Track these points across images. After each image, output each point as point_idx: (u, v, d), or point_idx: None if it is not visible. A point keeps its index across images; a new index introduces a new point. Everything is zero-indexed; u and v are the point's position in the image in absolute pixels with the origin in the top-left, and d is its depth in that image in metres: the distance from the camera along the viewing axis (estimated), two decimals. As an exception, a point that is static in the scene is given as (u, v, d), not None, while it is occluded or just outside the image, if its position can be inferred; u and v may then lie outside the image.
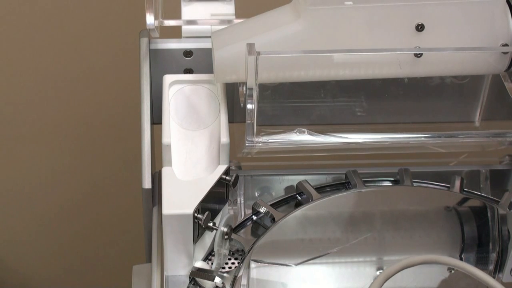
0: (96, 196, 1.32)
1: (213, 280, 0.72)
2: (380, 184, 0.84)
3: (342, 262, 0.76)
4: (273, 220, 0.78)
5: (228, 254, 0.76)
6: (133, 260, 0.91)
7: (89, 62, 1.17)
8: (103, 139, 1.25)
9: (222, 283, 0.72)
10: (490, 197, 0.84)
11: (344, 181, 0.84)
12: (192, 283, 0.73)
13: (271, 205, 0.80)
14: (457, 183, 0.82)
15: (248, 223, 0.80)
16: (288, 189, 0.84)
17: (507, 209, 0.79)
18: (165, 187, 0.72)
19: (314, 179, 0.83)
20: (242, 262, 0.74)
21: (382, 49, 0.72)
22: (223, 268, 0.75)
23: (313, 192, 0.80)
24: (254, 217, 0.80)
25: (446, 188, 0.83)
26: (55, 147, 1.26)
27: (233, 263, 0.76)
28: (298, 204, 0.81)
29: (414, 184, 0.83)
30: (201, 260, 0.74)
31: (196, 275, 0.73)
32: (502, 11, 0.73)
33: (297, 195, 0.82)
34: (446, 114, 0.81)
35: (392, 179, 0.84)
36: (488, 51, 0.73)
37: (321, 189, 0.83)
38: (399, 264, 0.67)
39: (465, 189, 0.83)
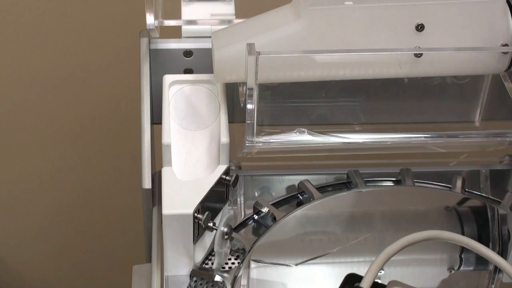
0: (96, 196, 1.32)
1: (213, 279, 0.72)
2: (381, 184, 0.84)
3: (342, 262, 0.76)
4: (274, 219, 0.78)
5: (229, 253, 0.76)
6: (133, 260, 0.91)
7: (89, 62, 1.17)
8: (103, 139, 1.25)
9: (223, 281, 0.72)
10: (490, 197, 0.84)
11: (345, 181, 0.84)
12: (194, 282, 0.73)
13: (272, 204, 0.80)
14: (459, 183, 0.82)
15: (249, 222, 0.80)
16: (289, 188, 0.84)
17: (508, 210, 0.79)
18: (165, 187, 0.72)
19: (314, 179, 0.83)
20: (242, 262, 0.74)
21: (382, 49, 0.72)
22: (223, 268, 0.75)
23: (315, 192, 0.80)
24: (256, 217, 0.80)
25: (447, 189, 0.83)
26: (55, 147, 1.26)
27: (233, 263, 0.76)
28: (299, 204, 0.81)
29: (415, 184, 0.83)
30: (201, 260, 0.74)
31: (197, 274, 0.73)
32: (502, 11, 0.73)
33: (298, 195, 0.82)
34: (446, 114, 0.81)
35: (394, 179, 0.84)
36: (488, 51, 0.73)
37: (322, 189, 0.83)
38: (399, 242, 0.66)
39: (466, 189, 0.83)
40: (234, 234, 0.75)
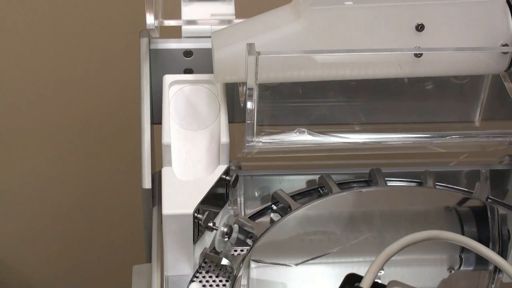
0: (96, 196, 1.32)
1: (220, 262, 0.73)
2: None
3: (342, 262, 0.76)
4: (290, 208, 0.78)
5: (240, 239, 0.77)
6: (133, 260, 0.91)
7: (89, 62, 1.17)
8: (103, 139, 1.25)
9: (230, 265, 0.73)
10: (491, 197, 0.84)
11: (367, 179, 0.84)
12: (207, 266, 0.74)
13: (291, 196, 0.81)
14: (483, 190, 0.82)
15: (266, 212, 0.81)
16: (308, 183, 0.85)
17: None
18: (165, 187, 0.72)
19: (314, 179, 0.84)
20: (242, 262, 0.74)
21: (382, 49, 0.72)
22: (233, 254, 0.76)
23: (334, 187, 0.81)
24: (274, 207, 0.81)
25: (468, 194, 0.83)
26: (55, 147, 1.26)
27: (242, 250, 0.76)
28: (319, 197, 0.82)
29: (415, 184, 0.83)
30: (212, 246, 0.76)
31: (207, 256, 0.74)
32: (502, 11, 0.73)
33: (319, 189, 0.83)
34: (446, 114, 0.81)
35: (418, 180, 0.84)
36: (488, 51, 0.73)
37: (342, 185, 0.83)
38: (399, 242, 0.66)
39: (489, 197, 0.83)
40: (245, 220, 0.77)
